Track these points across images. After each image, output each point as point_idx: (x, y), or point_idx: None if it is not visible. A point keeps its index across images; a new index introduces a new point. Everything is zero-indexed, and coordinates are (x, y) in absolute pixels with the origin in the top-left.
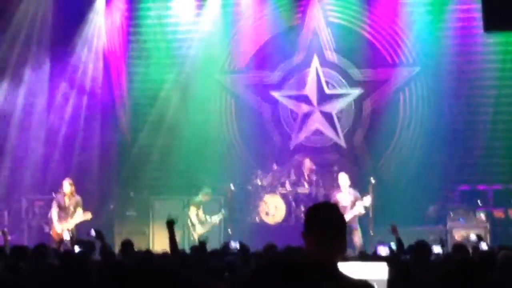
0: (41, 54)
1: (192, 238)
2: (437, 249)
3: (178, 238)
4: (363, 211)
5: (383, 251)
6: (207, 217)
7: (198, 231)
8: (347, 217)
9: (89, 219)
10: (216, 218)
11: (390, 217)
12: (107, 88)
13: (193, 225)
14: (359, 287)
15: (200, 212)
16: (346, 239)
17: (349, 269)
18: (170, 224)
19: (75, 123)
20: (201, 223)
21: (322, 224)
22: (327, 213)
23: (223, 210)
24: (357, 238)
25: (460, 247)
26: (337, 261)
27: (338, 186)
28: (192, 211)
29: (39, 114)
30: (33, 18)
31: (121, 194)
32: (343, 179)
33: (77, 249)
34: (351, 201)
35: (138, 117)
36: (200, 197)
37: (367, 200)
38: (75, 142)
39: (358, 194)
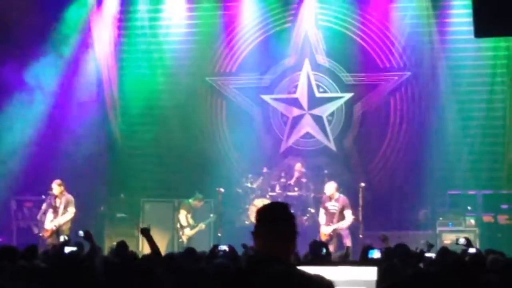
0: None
1: (180, 240)
2: (428, 254)
3: (166, 241)
4: (350, 223)
5: (375, 255)
6: (196, 222)
7: (187, 233)
8: (333, 226)
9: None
10: (202, 225)
11: (380, 221)
12: (98, 90)
13: (182, 227)
14: (316, 282)
15: (189, 216)
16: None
17: (339, 272)
18: (144, 232)
19: (65, 124)
20: (190, 227)
21: (273, 223)
22: (277, 213)
23: (212, 215)
24: (348, 241)
25: (445, 251)
26: (290, 260)
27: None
28: (182, 214)
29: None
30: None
31: (112, 196)
32: (329, 188)
33: (67, 249)
34: (338, 209)
35: (129, 119)
36: (191, 201)
37: (348, 220)
38: (65, 143)
39: (346, 201)
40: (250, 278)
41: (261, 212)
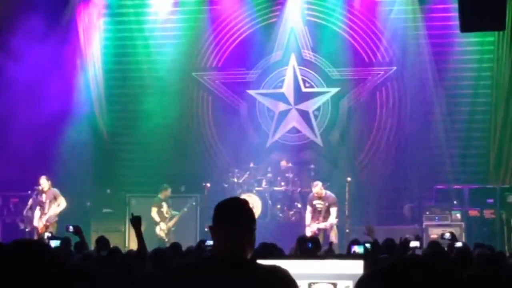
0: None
1: (159, 237)
2: (414, 243)
3: (152, 236)
4: (334, 222)
5: (357, 250)
6: (173, 211)
7: (163, 228)
8: (321, 224)
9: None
10: (184, 210)
11: (366, 215)
12: (83, 85)
13: (156, 223)
14: (273, 272)
15: (165, 209)
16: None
17: (325, 265)
18: (134, 222)
19: (51, 119)
20: (169, 219)
21: (231, 219)
22: (236, 208)
23: (186, 207)
24: (334, 236)
25: (434, 244)
26: (248, 256)
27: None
28: (153, 211)
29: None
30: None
31: (98, 191)
32: (317, 188)
33: (53, 244)
34: (325, 206)
35: (114, 114)
36: (159, 195)
37: (332, 218)
38: (51, 138)
39: (334, 199)
40: (204, 275)
41: (218, 207)
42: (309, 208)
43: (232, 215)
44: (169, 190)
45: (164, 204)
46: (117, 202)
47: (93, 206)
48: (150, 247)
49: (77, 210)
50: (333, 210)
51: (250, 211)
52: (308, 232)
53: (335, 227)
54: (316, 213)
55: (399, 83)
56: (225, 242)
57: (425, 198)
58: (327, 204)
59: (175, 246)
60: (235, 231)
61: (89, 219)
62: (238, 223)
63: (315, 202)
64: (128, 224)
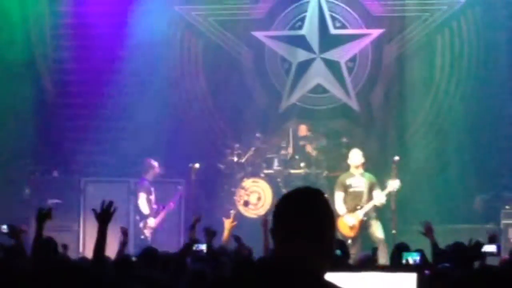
0: None
1: (143, 237)
2: (488, 248)
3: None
4: (384, 201)
5: (411, 259)
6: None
7: (151, 224)
8: (365, 208)
9: None
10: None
11: (419, 211)
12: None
13: (143, 216)
14: None
15: (153, 197)
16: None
17: (363, 280)
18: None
19: None
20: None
21: (300, 218)
22: (308, 203)
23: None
24: (378, 232)
25: None
26: (324, 268)
27: (347, 166)
28: (142, 198)
29: None
30: None
31: (41, 175)
32: (355, 157)
33: None
34: (367, 186)
35: (64, 64)
36: (146, 177)
37: (393, 185)
38: None
39: (374, 178)
40: None
41: (283, 203)
42: (339, 194)
43: (301, 213)
44: (157, 166)
45: (152, 189)
46: (68, 190)
47: (35, 195)
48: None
49: (11, 202)
50: (378, 193)
51: (326, 207)
52: (344, 229)
53: (379, 222)
54: (351, 197)
55: (469, 18)
56: (290, 250)
57: (504, 187)
58: (368, 183)
59: (149, 253)
60: (304, 235)
61: (28, 214)
62: (309, 223)
63: (349, 181)
64: (82, 220)
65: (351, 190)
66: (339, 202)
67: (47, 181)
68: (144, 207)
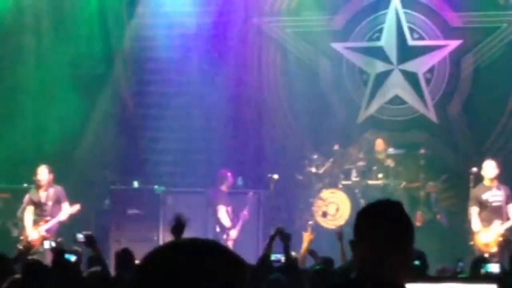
0: None
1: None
2: None
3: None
4: None
5: (492, 269)
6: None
7: (233, 236)
8: (506, 225)
9: (75, 212)
10: None
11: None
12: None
13: (224, 229)
14: None
15: (229, 209)
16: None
17: None
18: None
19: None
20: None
21: (382, 230)
22: (389, 215)
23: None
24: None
25: None
26: (403, 279)
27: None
28: (222, 210)
29: None
30: None
31: (121, 184)
32: (489, 169)
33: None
34: (504, 199)
35: (142, 75)
36: (222, 188)
37: None
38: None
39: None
40: None
41: (363, 213)
42: (474, 209)
43: (382, 225)
44: (230, 177)
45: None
46: (148, 200)
47: (114, 205)
48: None
49: (90, 212)
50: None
51: (406, 219)
52: (481, 245)
53: None
54: (489, 211)
55: None
56: (374, 262)
57: None
58: (504, 196)
59: None
60: (386, 247)
61: (107, 224)
62: (391, 236)
63: (485, 196)
64: (161, 231)
65: (488, 204)
66: (475, 217)
67: (127, 192)
68: (225, 220)
